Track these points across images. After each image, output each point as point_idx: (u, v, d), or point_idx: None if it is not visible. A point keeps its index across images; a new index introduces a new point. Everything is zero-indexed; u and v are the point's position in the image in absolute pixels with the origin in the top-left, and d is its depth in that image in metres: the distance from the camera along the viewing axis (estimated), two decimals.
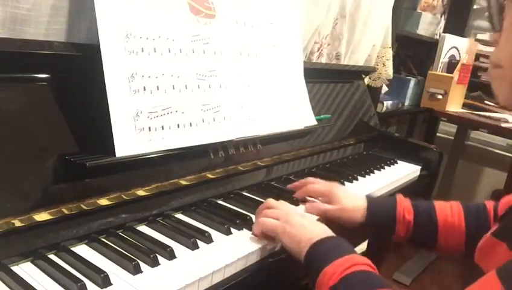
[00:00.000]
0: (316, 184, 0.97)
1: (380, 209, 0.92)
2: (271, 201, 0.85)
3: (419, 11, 2.31)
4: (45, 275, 0.62)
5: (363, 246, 1.72)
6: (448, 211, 0.91)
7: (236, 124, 0.96)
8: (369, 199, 0.94)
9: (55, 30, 0.81)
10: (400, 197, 0.93)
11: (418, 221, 0.90)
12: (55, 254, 0.67)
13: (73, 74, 0.75)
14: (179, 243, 0.74)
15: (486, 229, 0.71)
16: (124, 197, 0.76)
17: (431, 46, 2.38)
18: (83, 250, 0.69)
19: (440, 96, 2.22)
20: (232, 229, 0.81)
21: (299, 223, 0.77)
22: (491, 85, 0.66)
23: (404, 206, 0.91)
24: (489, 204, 0.92)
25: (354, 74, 1.58)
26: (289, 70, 1.14)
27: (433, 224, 0.90)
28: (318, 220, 0.91)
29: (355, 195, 0.95)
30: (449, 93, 2.21)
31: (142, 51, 0.79)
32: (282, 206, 0.83)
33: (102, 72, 0.73)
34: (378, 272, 0.68)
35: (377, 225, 0.92)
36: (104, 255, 0.68)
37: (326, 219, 0.91)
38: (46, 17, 0.79)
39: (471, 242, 0.74)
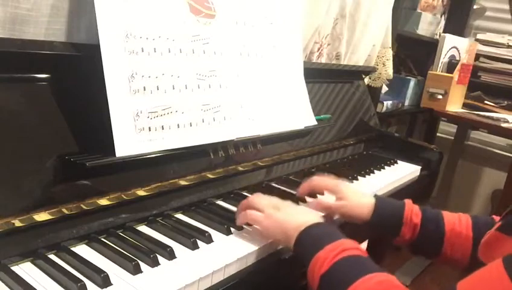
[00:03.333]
0: (322, 178, 0.96)
1: (387, 209, 0.90)
2: (253, 197, 0.84)
3: (419, 11, 2.31)
4: (45, 275, 0.62)
5: (363, 246, 1.72)
6: (457, 220, 0.88)
7: (236, 124, 0.96)
8: (377, 197, 0.92)
9: (55, 30, 0.81)
10: (408, 200, 0.92)
11: (424, 226, 0.88)
12: (55, 254, 0.67)
13: (73, 74, 0.75)
14: (179, 243, 0.74)
15: None
16: (124, 197, 0.76)
17: (431, 46, 2.38)
18: (83, 250, 0.69)
19: (440, 96, 2.22)
20: (232, 229, 0.81)
21: (285, 212, 0.77)
22: None
23: (412, 209, 0.89)
24: (498, 218, 0.90)
25: (354, 74, 1.57)
26: (289, 70, 1.14)
27: (440, 231, 0.87)
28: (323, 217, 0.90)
29: (362, 192, 0.94)
30: (449, 93, 2.21)
31: (142, 51, 0.79)
32: (266, 198, 0.82)
33: (102, 72, 0.73)
34: (367, 255, 0.68)
35: (382, 224, 0.90)
36: (104, 255, 0.68)
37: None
38: (46, 17, 0.79)
39: (476, 255, 0.72)
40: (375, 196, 0.93)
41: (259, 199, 0.82)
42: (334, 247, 0.67)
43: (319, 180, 0.96)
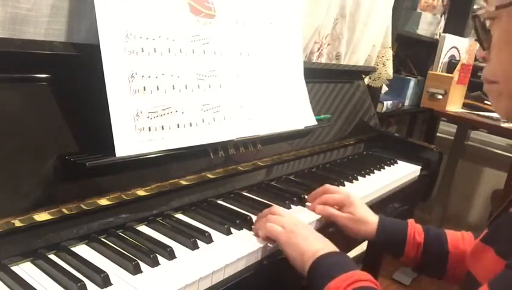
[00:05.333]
0: (334, 194, 0.95)
1: (390, 227, 0.90)
2: (277, 208, 0.84)
3: (419, 11, 2.31)
4: (45, 275, 0.62)
5: (363, 246, 1.72)
6: (460, 238, 0.88)
7: (236, 124, 0.96)
8: (381, 216, 0.92)
9: (55, 30, 0.81)
10: (411, 220, 0.92)
11: (428, 244, 0.88)
12: (55, 254, 0.67)
13: (73, 74, 0.75)
14: (179, 243, 0.74)
15: None
16: (124, 197, 0.76)
17: (431, 46, 2.38)
18: (83, 250, 0.69)
19: (440, 96, 2.22)
20: (232, 229, 0.81)
21: (304, 235, 0.76)
22: (490, 101, 0.67)
23: (415, 228, 0.90)
24: None
25: (354, 74, 1.58)
26: (289, 70, 1.14)
27: (444, 249, 0.87)
28: (327, 223, 0.91)
29: (369, 210, 0.94)
30: (449, 93, 2.21)
31: (142, 51, 0.79)
32: (288, 215, 0.82)
33: (102, 72, 0.73)
34: (379, 287, 0.67)
35: (386, 243, 0.90)
36: (104, 255, 0.68)
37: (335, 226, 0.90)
38: (46, 17, 0.79)
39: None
40: (379, 215, 0.93)
41: (279, 213, 0.82)
42: (346, 277, 0.67)
43: (330, 197, 0.95)
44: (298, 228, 0.78)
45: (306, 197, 0.98)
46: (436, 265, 0.89)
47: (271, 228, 0.78)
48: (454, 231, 0.91)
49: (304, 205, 0.97)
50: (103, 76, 0.74)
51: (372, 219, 0.91)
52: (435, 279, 0.93)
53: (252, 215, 0.86)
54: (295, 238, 0.76)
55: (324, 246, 0.75)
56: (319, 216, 0.92)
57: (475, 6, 2.69)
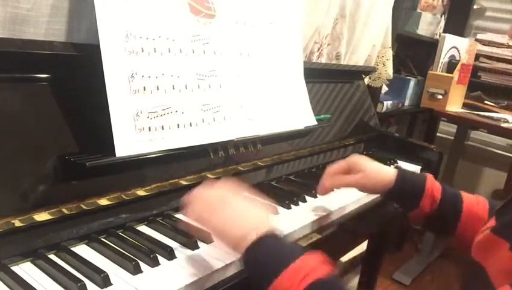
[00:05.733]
0: (333, 166, 0.94)
1: (410, 178, 0.90)
2: (187, 197, 0.72)
3: (419, 11, 2.31)
4: (45, 275, 0.62)
5: (363, 246, 1.72)
6: (474, 201, 0.89)
7: (236, 124, 0.96)
8: (399, 167, 0.91)
9: (55, 30, 0.81)
10: (429, 174, 0.92)
11: (444, 201, 0.88)
12: (55, 254, 0.67)
13: (73, 74, 0.75)
14: (179, 243, 0.74)
15: None
16: (124, 197, 0.76)
17: (431, 46, 2.38)
18: (83, 250, 0.69)
19: (440, 96, 2.22)
20: None
21: (221, 216, 0.67)
22: None
23: (434, 182, 0.89)
24: None
25: (354, 74, 1.57)
26: (289, 70, 1.14)
27: (458, 209, 0.87)
28: (323, 225, 0.90)
29: (379, 164, 0.94)
30: (449, 93, 2.21)
31: (142, 51, 0.79)
32: (202, 199, 0.71)
33: (102, 72, 0.74)
34: (332, 268, 0.61)
35: (403, 194, 0.89)
36: (104, 255, 0.68)
37: None
38: (46, 17, 0.79)
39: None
40: (396, 166, 0.92)
41: (188, 201, 0.71)
42: (298, 269, 0.60)
43: (330, 169, 0.94)
44: (209, 212, 0.68)
45: (306, 197, 0.98)
46: (447, 223, 0.88)
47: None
48: (470, 194, 0.91)
49: (303, 206, 0.97)
50: (103, 76, 0.74)
51: (385, 169, 0.91)
52: (435, 278, 0.93)
53: None
54: (208, 223, 0.68)
55: (250, 226, 0.65)
56: (314, 218, 0.91)
57: (475, 7, 2.69)
